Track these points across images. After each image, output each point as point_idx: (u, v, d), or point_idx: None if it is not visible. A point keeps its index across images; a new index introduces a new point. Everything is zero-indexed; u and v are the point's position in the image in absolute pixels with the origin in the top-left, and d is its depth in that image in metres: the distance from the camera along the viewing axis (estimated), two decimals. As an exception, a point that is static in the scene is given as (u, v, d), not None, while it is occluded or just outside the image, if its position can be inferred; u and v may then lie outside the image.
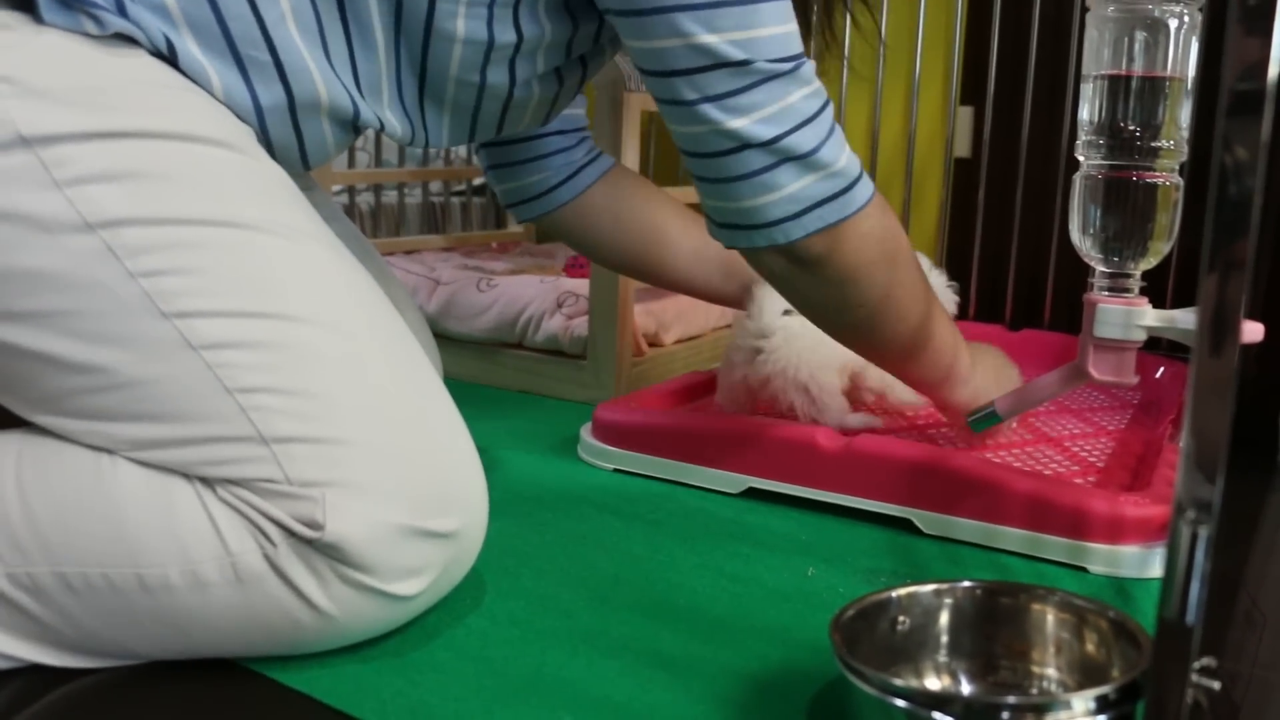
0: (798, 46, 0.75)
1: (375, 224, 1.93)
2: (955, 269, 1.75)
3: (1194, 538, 0.41)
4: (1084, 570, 0.84)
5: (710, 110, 0.73)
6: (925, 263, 1.20)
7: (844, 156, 0.77)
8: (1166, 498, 0.86)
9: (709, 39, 0.71)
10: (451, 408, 0.71)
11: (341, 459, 0.62)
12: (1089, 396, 1.33)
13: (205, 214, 0.64)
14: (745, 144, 0.74)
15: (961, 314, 1.73)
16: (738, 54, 0.71)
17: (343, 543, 0.61)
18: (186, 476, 0.62)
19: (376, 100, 0.79)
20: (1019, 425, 1.14)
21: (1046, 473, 1.02)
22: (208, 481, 0.62)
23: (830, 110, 0.77)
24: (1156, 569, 0.84)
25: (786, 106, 0.74)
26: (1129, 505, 0.84)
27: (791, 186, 0.76)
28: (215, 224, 0.64)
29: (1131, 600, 0.80)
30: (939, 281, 1.19)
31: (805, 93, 0.75)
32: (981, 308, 1.73)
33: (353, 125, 0.79)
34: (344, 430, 0.63)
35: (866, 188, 0.79)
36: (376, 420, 0.64)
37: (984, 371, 0.97)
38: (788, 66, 0.74)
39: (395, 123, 0.81)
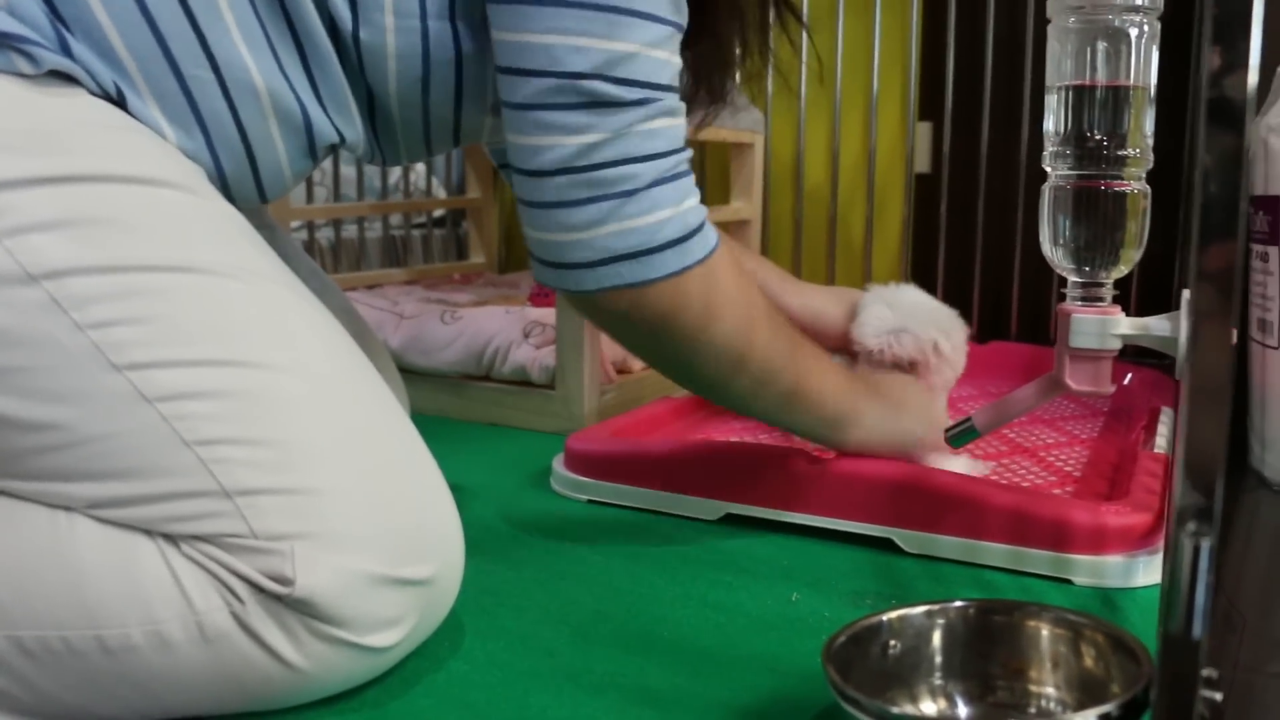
0: (664, 76, 0.70)
1: (335, 259, 1.90)
2: (920, 284, 1.75)
3: (1196, 549, 0.40)
4: (1069, 583, 0.83)
5: (532, 119, 0.68)
6: (951, 316, 1.15)
7: (668, 212, 0.71)
8: (1148, 505, 0.86)
9: (551, 39, 0.67)
10: (422, 448, 0.69)
11: (309, 509, 0.60)
12: (1060, 405, 1.33)
13: (155, 259, 0.61)
14: (557, 167, 0.69)
15: (928, 329, 1.74)
16: (578, 64, 0.67)
17: (314, 597, 0.59)
18: (149, 533, 0.60)
19: (344, 116, 0.77)
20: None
21: (1024, 485, 1.01)
22: (171, 538, 0.60)
23: (680, 159, 0.72)
24: (1141, 578, 0.83)
25: (618, 135, 0.68)
26: (1111, 515, 0.84)
27: (590, 231, 0.70)
28: (166, 269, 0.61)
29: (1118, 611, 0.79)
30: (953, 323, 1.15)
31: (650, 127, 0.69)
32: (948, 322, 1.73)
33: (308, 142, 0.76)
34: (310, 479, 0.60)
35: (690, 252, 0.73)
36: (344, 466, 0.62)
37: (880, 410, 0.94)
38: (635, 95, 0.68)
39: (356, 138, 0.79)
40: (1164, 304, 1.51)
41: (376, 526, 0.61)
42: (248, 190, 0.76)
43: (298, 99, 0.73)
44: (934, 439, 0.94)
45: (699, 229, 0.74)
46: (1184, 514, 0.41)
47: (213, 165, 0.72)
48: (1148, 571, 0.83)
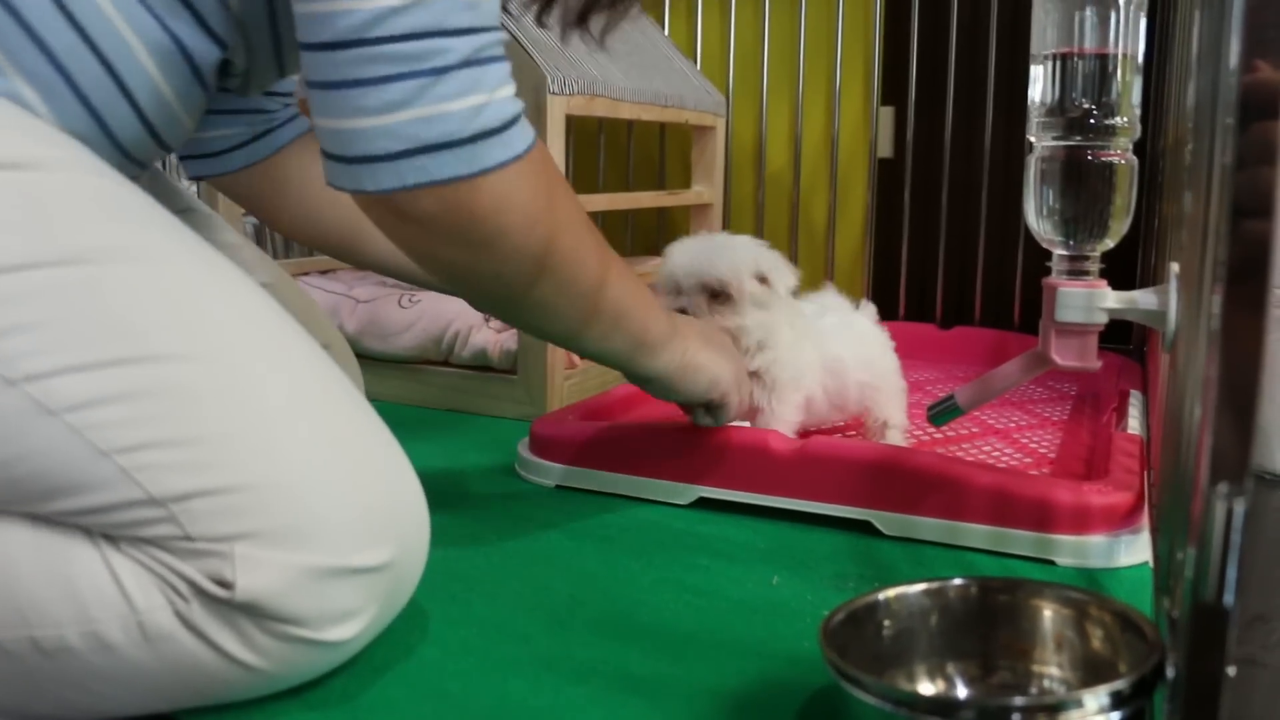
0: None
1: (288, 245, 1.85)
2: (884, 269, 1.75)
3: (1230, 512, 0.38)
4: (1051, 563, 0.82)
5: None
6: (838, 298, 1.13)
7: (482, 97, 0.61)
8: (1129, 485, 0.84)
9: None
10: (369, 420, 0.63)
11: (246, 507, 0.55)
12: (1028, 389, 1.32)
13: (36, 255, 0.54)
14: (349, 37, 0.57)
15: (892, 314, 1.73)
16: None
17: (257, 599, 0.54)
18: (87, 531, 0.55)
19: (220, 17, 0.68)
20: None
21: (1001, 466, 1.00)
22: (110, 536, 0.55)
23: (494, 38, 0.62)
24: (1124, 558, 0.82)
25: (421, 1, 0.58)
26: (1094, 494, 0.82)
27: (392, 116, 0.59)
28: (50, 264, 0.54)
29: (1103, 591, 0.78)
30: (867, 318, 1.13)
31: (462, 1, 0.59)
32: (911, 307, 1.72)
33: (189, 68, 0.67)
34: (244, 475, 0.55)
35: (510, 144, 0.63)
36: (280, 455, 0.56)
37: (693, 341, 0.87)
38: None
39: (237, 43, 0.70)
40: (1128, 280, 1.50)
41: (321, 514, 0.56)
42: (140, 140, 0.68)
43: (155, 17, 0.65)
44: (739, 381, 0.93)
45: (516, 120, 0.64)
46: (1216, 474, 0.39)
47: (92, 122, 0.65)
48: (1130, 551, 0.82)
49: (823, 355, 1.03)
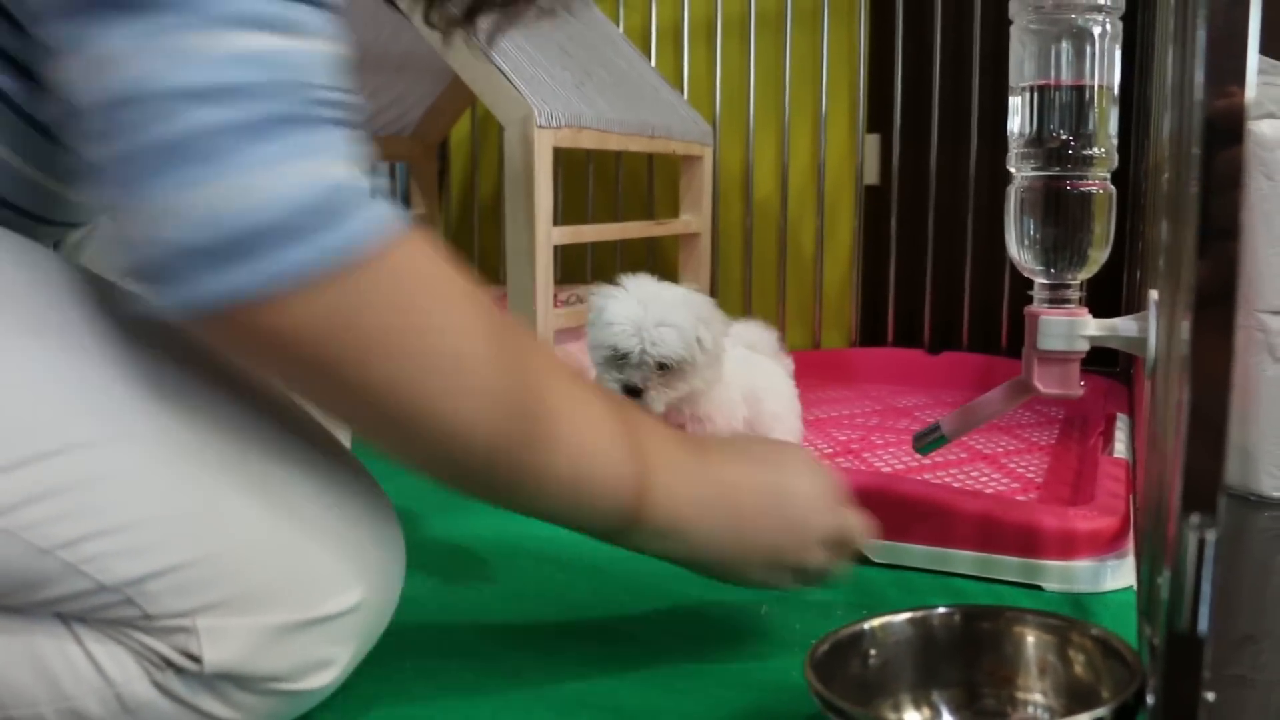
0: None
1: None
2: (871, 295, 1.76)
3: (1201, 543, 0.39)
4: (1038, 588, 0.83)
5: (69, 31, 0.44)
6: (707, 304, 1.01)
7: (298, 187, 0.46)
8: (1114, 510, 0.85)
9: None
10: (320, 454, 0.60)
11: (203, 579, 0.53)
12: (1015, 414, 1.33)
13: None
14: (94, 98, 0.45)
15: (880, 340, 1.74)
16: None
17: (228, 668, 0.54)
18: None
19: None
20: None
21: (988, 491, 1.00)
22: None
23: (298, 96, 0.46)
24: (1110, 582, 0.82)
25: (186, 51, 0.43)
26: (1079, 519, 0.83)
27: (148, 209, 0.46)
28: None
29: (1089, 615, 0.78)
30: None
31: (243, 44, 0.44)
32: (899, 333, 1.73)
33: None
34: (194, 548, 0.53)
35: (323, 239, 0.47)
36: (223, 522, 0.54)
37: (690, 480, 0.65)
38: None
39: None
40: (1113, 305, 1.52)
41: (279, 573, 0.55)
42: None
43: None
44: (824, 531, 0.68)
45: (353, 200, 0.48)
46: (1187, 506, 0.40)
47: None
48: (1116, 575, 0.83)
49: (742, 387, 1.03)
